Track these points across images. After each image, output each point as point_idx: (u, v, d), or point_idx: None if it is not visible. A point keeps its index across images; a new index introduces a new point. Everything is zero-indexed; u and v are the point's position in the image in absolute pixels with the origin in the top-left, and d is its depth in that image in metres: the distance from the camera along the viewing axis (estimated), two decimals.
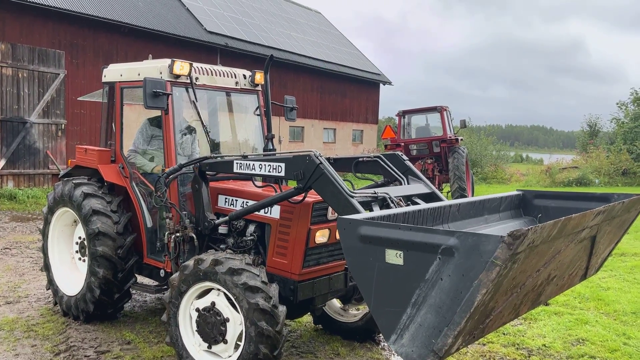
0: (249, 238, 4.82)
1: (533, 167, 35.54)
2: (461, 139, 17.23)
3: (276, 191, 4.71)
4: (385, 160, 4.82)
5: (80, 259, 5.93)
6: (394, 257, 2.85)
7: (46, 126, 15.81)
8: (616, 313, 6.36)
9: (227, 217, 4.82)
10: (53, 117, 15.93)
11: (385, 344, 5.37)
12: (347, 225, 3.05)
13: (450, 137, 16.45)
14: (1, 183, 14.80)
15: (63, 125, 16.16)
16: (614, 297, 6.92)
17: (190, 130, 5.78)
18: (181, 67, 5.13)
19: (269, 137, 5.85)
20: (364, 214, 3.53)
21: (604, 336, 5.57)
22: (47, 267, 6.03)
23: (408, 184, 4.65)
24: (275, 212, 4.69)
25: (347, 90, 30.04)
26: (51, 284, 5.96)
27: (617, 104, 30.54)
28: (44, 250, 6.07)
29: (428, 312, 2.73)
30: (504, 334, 5.64)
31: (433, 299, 2.71)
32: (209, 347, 4.35)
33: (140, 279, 5.91)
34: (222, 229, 4.93)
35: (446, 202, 4.14)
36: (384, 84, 33.31)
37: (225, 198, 5.12)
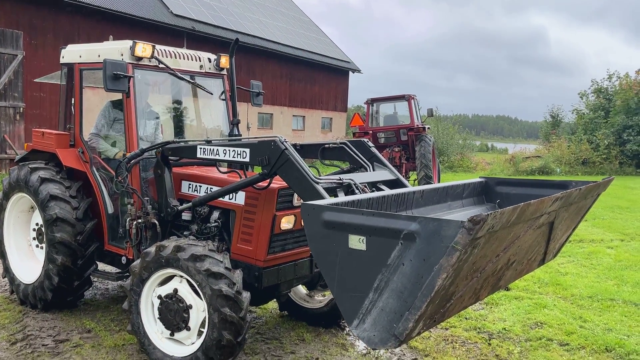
0: (213, 224, 4.76)
1: (498, 156, 36.27)
2: (428, 128, 17.42)
3: (241, 177, 4.65)
4: (351, 147, 4.81)
5: (37, 246, 5.75)
6: (356, 242, 2.85)
7: (3, 109, 15.24)
8: (573, 297, 6.56)
9: (190, 204, 4.74)
10: (11, 100, 15.36)
11: (350, 329, 5.40)
12: (311, 211, 3.03)
13: (417, 125, 16.61)
14: None
15: (21, 109, 15.61)
16: (571, 282, 7.14)
17: (153, 114, 5.64)
18: (143, 49, 4.99)
19: (234, 122, 5.77)
20: (328, 200, 3.52)
21: (561, 319, 5.75)
22: (2, 255, 5.83)
23: (373, 170, 4.66)
24: (240, 198, 4.63)
25: (316, 78, 29.95)
26: (7, 271, 5.77)
27: (579, 94, 31.41)
28: None
29: (390, 297, 2.75)
30: (466, 318, 5.75)
31: (395, 284, 2.73)
32: (172, 334, 4.29)
33: (102, 266, 5.78)
34: (186, 216, 4.84)
35: (410, 188, 4.16)
36: (353, 72, 33.34)
37: (189, 184, 5.03)
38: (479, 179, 4.86)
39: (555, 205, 3.38)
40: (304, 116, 29.48)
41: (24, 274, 5.64)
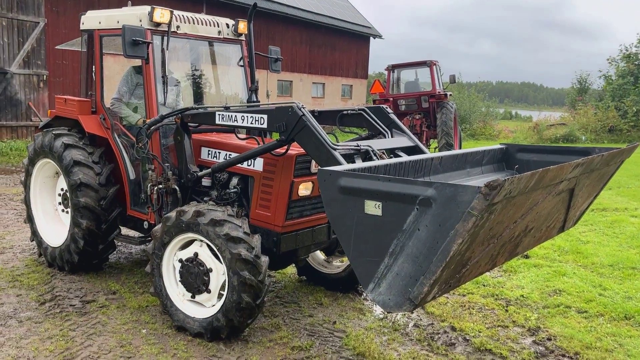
0: (232, 190, 4.81)
1: (522, 124, 35.60)
2: (450, 95, 17.13)
3: (259, 144, 4.67)
4: (370, 113, 4.77)
5: (63, 210, 5.91)
6: (372, 207, 2.86)
7: (27, 77, 15.43)
8: (594, 265, 6.52)
9: (210, 170, 4.79)
10: (34, 68, 15.53)
11: (365, 293, 5.48)
12: (327, 176, 3.04)
13: (439, 92, 16.35)
14: None
15: (45, 76, 15.78)
16: (592, 251, 7.08)
17: (173, 80, 5.66)
18: (161, 14, 4.98)
19: (252, 89, 5.76)
20: (345, 166, 3.52)
21: (580, 287, 5.73)
22: (30, 219, 6.01)
23: (392, 137, 4.63)
24: (258, 164, 4.67)
25: (336, 44, 29.50)
26: (35, 235, 5.95)
27: (608, 59, 30.38)
28: (27, 202, 6.03)
29: (405, 262, 2.77)
30: (483, 285, 5.78)
31: (410, 249, 2.74)
32: (193, 296, 4.41)
33: (125, 230, 5.92)
34: (206, 182, 4.91)
35: (428, 155, 4.13)
36: (374, 38, 32.74)
37: (208, 150, 5.07)
38: (499, 146, 4.79)
39: (576, 171, 3.33)
40: (323, 83, 29.20)
41: (51, 237, 5.81)
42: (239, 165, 4.72)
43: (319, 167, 3.30)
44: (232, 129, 5.27)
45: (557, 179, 3.10)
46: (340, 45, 29.89)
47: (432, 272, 2.66)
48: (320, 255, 5.75)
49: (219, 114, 4.58)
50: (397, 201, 2.75)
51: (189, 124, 4.87)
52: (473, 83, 37.56)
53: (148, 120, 4.90)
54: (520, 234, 3.38)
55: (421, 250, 2.70)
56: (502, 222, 2.90)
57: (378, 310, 5.10)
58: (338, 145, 3.95)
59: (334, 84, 29.96)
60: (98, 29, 5.45)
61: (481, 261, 3.12)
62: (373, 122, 4.72)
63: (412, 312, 4.93)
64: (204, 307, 4.39)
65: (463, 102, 28.55)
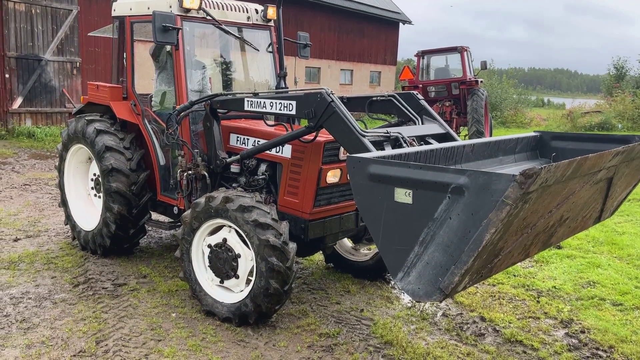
0: (260, 177, 4.82)
1: (554, 111, 34.73)
2: (481, 81, 16.78)
3: (287, 130, 4.65)
4: (400, 99, 4.70)
5: (95, 195, 6.02)
6: (402, 195, 2.81)
7: (61, 64, 15.73)
8: (630, 257, 6.33)
9: (238, 156, 4.80)
10: (68, 55, 15.81)
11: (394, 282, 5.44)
12: (357, 163, 3.00)
13: (470, 78, 16.04)
14: (19, 121, 14.93)
15: (78, 64, 16.06)
16: (628, 242, 6.87)
17: (201, 66, 5.67)
18: (191, 0, 4.97)
19: (281, 75, 5.73)
20: (374, 153, 3.47)
21: (615, 279, 5.57)
22: (64, 203, 6.15)
23: (422, 124, 4.55)
24: (286, 151, 4.65)
25: (365, 30, 29.17)
26: (69, 219, 6.09)
27: None
28: (61, 186, 6.16)
29: (435, 251, 2.72)
30: (514, 275, 5.67)
31: (441, 238, 2.69)
32: (221, 281, 4.45)
33: (155, 215, 6.00)
34: (234, 168, 4.92)
35: (460, 142, 4.04)
36: (404, 24, 32.26)
37: (237, 137, 5.08)
38: (533, 133, 4.66)
39: (616, 160, 3.21)
40: (351, 70, 28.97)
41: (84, 221, 5.94)
42: (268, 151, 4.71)
43: (348, 154, 3.26)
44: (261, 116, 5.27)
45: (596, 167, 2.99)
46: (369, 32, 29.56)
47: (464, 262, 2.61)
48: (347, 242, 5.73)
49: (248, 100, 4.58)
50: (428, 189, 2.70)
51: (218, 110, 4.88)
52: (504, 70, 36.76)
53: (178, 107, 4.93)
54: (555, 224, 3.28)
55: (452, 240, 2.65)
56: (536, 212, 2.82)
57: (406, 298, 5.06)
58: (367, 132, 3.90)
59: (362, 70, 29.70)
60: (129, 16, 5.49)
61: (514, 251, 3.04)
62: (403, 108, 4.64)
63: (444, 301, 4.87)
64: (232, 293, 4.43)
65: (494, 89, 27.95)
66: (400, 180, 2.80)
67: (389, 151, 3.63)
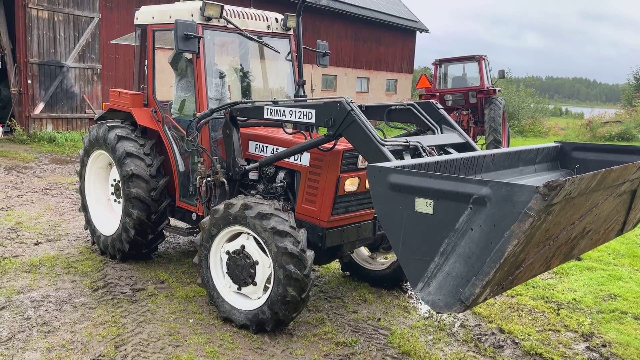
0: (278, 184, 4.84)
1: (573, 121, 34.34)
2: (499, 90, 16.68)
3: (306, 138, 4.67)
4: (419, 108, 4.69)
5: (115, 200, 6.09)
6: (423, 205, 2.80)
7: (82, 70, 15.99)
8: None
9: (257, 164, 4.83)
10: (89, 62, 16.08)
11: (413, 292, 5.41)
12: (377, 173, 3.00)
13: (487, 87, 15.96)
14: (41, 126, 15.19)
15: (98, 70, 16.32)
16: None
17: (221, 74, 5.73)
18: (213, 9, 5.04)
19: (300, 83, 5.76)
20: (395, 162, 3.47)
21: (637, 293, 5.48)
22: (84, 208, 6.23)
23: (442, 133, 4.54)
24: (305, 159, 4.67)
25: (382, 38, 29.20)
26: (89, 223, 6.17)
27: None
28: (81, 191, 6.25)
29: (456, 262, 2.71)
30: (533, 287, 5.60)
31: (462, 249, 2.68)
32: (239, 288, 4.47)
33: (173, 222, 6.05)
34: (253, 175, 4.95)
35: (480, 152, 4.02)
36: (420, 32, 32.24)
37: (256, 144, 5.11)
38: (554, 144, 4.62)
39: None
40: (368, 78, 29.00)
41: (104, 226, 6.01)
42: (286, 159, 4.74)
43: (369, 163, 3.27)
44: (280, 124, 5.30)
45: (620, 179, 2.96)
46: (386, 39, 29.58)
47: (485, 273, 2.59)
48: (364, 251, 5.72)
49: (268, 109, 4.61)
50: (450, 199, 2.69)
51: (238, 118, 4.93)
52: (521, 78, 36.49)
53: (198, 114, 4.98)
54: (577, 236, 3.24)
55: (474, 251, 2.63)
56: (559, 224, 2.79)
57: (423, 309, 5.02)
58: (387, 141, 3.90)
59: (378, 78, 29.71)
60: (151, 24, 5.58)
61: (535, 263, 3.01)
62: (422, 117, 4.63)
63: (462, 313, 4.83)
64: (249, 300, 4.44)
65: (511, 98, 27.75)
66: (422, 190, 2.79)
67: (409, 160, 3.62)
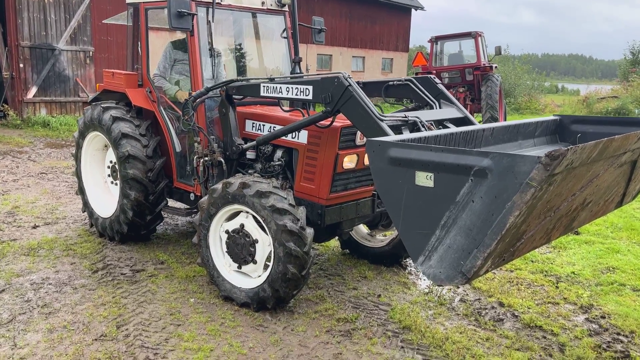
0: (276, 163, 4.81)
1: (569, 97, 34.27)
2: (495, 67, 16.59)
3: (304, 116, 4.63)
4: (417, 83, 4.65)
5: (112, 182, 6.05)
6: (424, 179, 2.78)
7: (74, 53, 15.79)
8: None
9: (254, 142, 4.79)
10: (81, 44, 15.86)
11: (412, 268, 5.43)
12: (377, 147, 2.98)
13: (484, 64, 15.86)
14: (34, 110, 15.05)
15: (91, 53, 16.11)
16: None
17: (216, 53, 5.65)
18: None
19: (296, 61, 5.69)
20: (394, 136, 3.44)
21: (635, 265, 5.51)
22: (81, 191, 6.19)
23: (440, 108, 4.50)
24: (302, 137, 4.64)
25: (377, 16, 28.90)
26: (86, 206, 6.14)
27: None
28: (78, 174, 6.21)
29: (457, 234, 2.70)
30: (532, 261, 5.63)
31: (463, 221, 2.66)
32: (239, 267, 4.47)
33: (172, 202, 6.03)
34: (250, 154, 4.92)
35: (479, 126, 3.99)
36: (416, 9, 31.91)
37: (253, 123, 5.07)
38: (552, 117, 4.60)
39: None
40: (363, 57, 28.78)
41: (102, 208, 5.98)
42: (284, 137, 4.70)
43: (368, 138, 3.24)
44: (276, 102, 5.24)
45: (621, 149, 2.94)
46: (381, 18, 29.28)
47: (487, 245, 2.58)
48: (363, 229, 5.72)
49: (264, 86, 4.56)
50: (451, 172, 2.67)
51: (234, 96, 4.87)
52: (517, 56, 36.26)
53: (193, 93, 4.92)
54: (578, 207, 3.24)
55: (475, 223, 2.62)
56: (560, 195, 2.78)
57: (423, 284, 5.04)
58: (385, 116, 3.87)
59: (374, 57, 29.49)
60: (144, 2, 5.47)
61: (536, 235, 3.01)
62: (420, 92, 4.59)
63: (462, 286, 4.85)
64: (250, 278, 4.44)
65: (508, 75, 27.62)
66: (422, 164, 2.77)
67: (408, 135, 3.60)
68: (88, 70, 16.14)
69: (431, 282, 4.98)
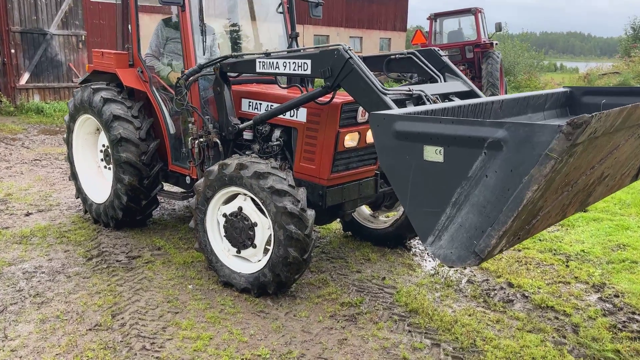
0: (274, 143, 4.61)
1: (568, 75, 33.95)
2: (496, 44, 16.30)
3: (302, 92, 4.41)
4: (420, 56, 4.43)
5: (105, 166, 5.86)
6: (433, 153, 2.59)
7: (66, 38, 15.46)
8: None
9: (251, 122, 4.59)
10: (73, 28, 15.52)
11: (417, 250, 5.27)
12: (381, 121, 2.78)
13: (484, 41, 15.58)
14: (27, 97, 14.78)
15: (83, 37, 15.78)
16: None
17: (210, 30, 5.41)
18: None
19: (292, 36, 5.47)
20: (400, 109, 3.24)
21: None
22: (74, 176, 6.00)
23: (445, 81, 4.29)
24: (301, 115, 4.43)
25: None
26: (80, 192, 5.96)
27: None
28: (70, 159, 6.01)
29: (470, 212, 2.51)
30: (540, 240, 5.47)
31: (476, 198, 2.48)
32: (238, 251, 4.30)
33: (167, 186, 5.85)
34: (247, 134, 4.72)
35: (487, 98, 3.78)
36: None
37: (249, 102, 4.86)
38: (563, 89, 4.39)
39: None
40: (361, 37, 28.40)
41: (95, 194, 5.80)
42: (281, 116, 4.49)
43: (371, 112, 3.04)
44: (274, 80, 5.02)
45: None
46: None
47: (502, 223, 2.40)
48: (366, 210, 5.55)
49: (260, 61, 4.33)
50: (462, 145, 2.48)
51: (229, 74, 4.66)
52: (516, 34, 35.86)
53: (186, 71, 4.70)
54: (595, 181, 3.05)
55: (489, 199, 2.44)
56: (579, 167, 2.59)
57: (428, 266, 4.89)
58: (389, 90, 3.66)
59: (371, 37, 29.09)
60: None
61: (552, 211, 2.83)
62: (424, 66, 4.38)
63: (471, 267, 4.70)
64: (249, 262, 4.28)
65: (507, 54, 27.26)
66: (430, 137, 2.58)
67: (414, 108, 3.40)
68: (81, 55, 15.82)
69: (438, 263, 4.82)
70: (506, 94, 16.36)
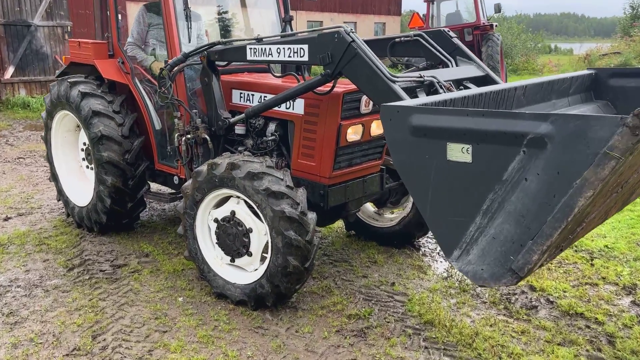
0: (269, 138, 4.17)
1: (563, 57, 33.46)
2: (496, 25, 15.81)
3: (299, 82, 3.97)
4: (428, 39, 3.99)
5: (88, 166, 5.42)
6: (459, 152, 2.18)
7: (51, 29, 14.87)
8: None
9: (243, 115, 4.14)
10: (57, 19, 14.92)
11: (427, 249, 4.87)
12: (394, 114, 2.37)
13: (484, 23, 15.09)
14: (13, 91, 14.24)
15: (69, 28, 15.18)
16: None
17: (196, 16, 4.95)
18: None
19: (286, 20, 5.02)
20: (416, 100, 2.81)
21: None
22: (54, 177, 5.56)
23: (457, 66, 3.86)
24: (298, 106, 4.00)
25: None
26: (61, 194, 5.52)
27: None
28: (49, 159, 5.57)
29: (505, 222, 2.11)
30: None
31: (513, 205, 2.07)
32: (232, 260, 3.88)
33: (156, 187, 5.42)
34: (239, 129, 4.29)
35: (508, 84, 3.36)
36: None
37: (240, 93, 4.42)
38: (587, 71, 3.97)
39: None
40: (355, 22, 27.79)
41: (77, 196, 5.36)
42: (277, 108, 4.05)
43: (381, 103, 2.61)
44: (267, 68, 4.57)
45: None
46: None
47: (547, 236, 2.00)
48: (370, 207, 5.13)
49: (251, 48, 3.88)
50: (495, 143, 2.07)
51: (217, 62, 4.21)
52: (511, 17, 35.35)
53: (170, 61, 4.25)
54: None
55: (529, 207, 2.03)
56: (633, 165, 2.18)
57: (441, 267, 4.49)
58: (397, 77, 3.23)
59: (366, 22, 28.51)
60: None
61: (597, 216, 2.43)
62: (432, 49, 3.94)
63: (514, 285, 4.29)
64: (245, 272, 3.86)
65: (504, 36, 26.73)
66: (455, 133, 2.17)
67: (431, 97, 2.97)
68: (67, 47, 15.24)
69: (456, 271, 4.43)
70: (506, 77, 15.90)
